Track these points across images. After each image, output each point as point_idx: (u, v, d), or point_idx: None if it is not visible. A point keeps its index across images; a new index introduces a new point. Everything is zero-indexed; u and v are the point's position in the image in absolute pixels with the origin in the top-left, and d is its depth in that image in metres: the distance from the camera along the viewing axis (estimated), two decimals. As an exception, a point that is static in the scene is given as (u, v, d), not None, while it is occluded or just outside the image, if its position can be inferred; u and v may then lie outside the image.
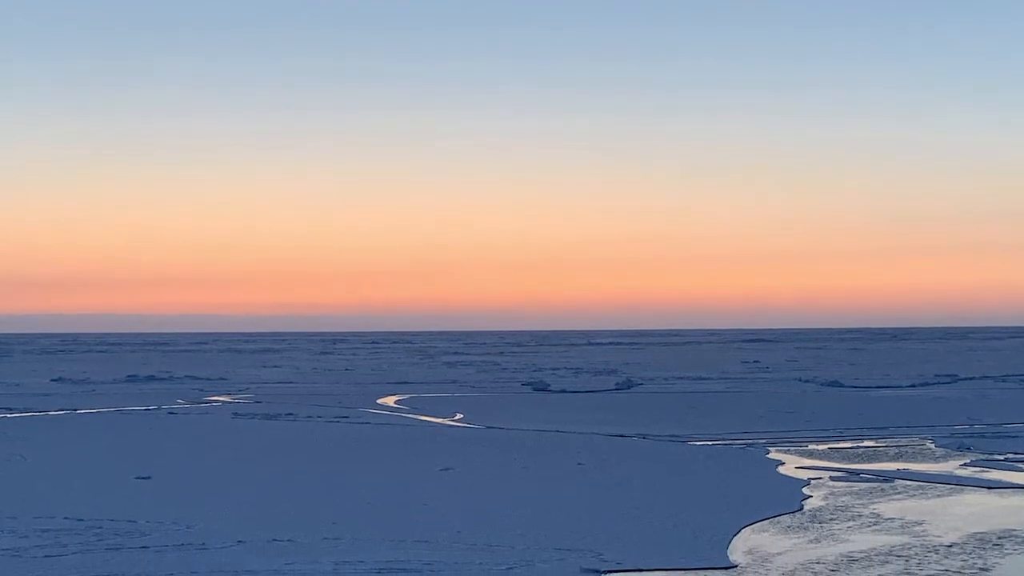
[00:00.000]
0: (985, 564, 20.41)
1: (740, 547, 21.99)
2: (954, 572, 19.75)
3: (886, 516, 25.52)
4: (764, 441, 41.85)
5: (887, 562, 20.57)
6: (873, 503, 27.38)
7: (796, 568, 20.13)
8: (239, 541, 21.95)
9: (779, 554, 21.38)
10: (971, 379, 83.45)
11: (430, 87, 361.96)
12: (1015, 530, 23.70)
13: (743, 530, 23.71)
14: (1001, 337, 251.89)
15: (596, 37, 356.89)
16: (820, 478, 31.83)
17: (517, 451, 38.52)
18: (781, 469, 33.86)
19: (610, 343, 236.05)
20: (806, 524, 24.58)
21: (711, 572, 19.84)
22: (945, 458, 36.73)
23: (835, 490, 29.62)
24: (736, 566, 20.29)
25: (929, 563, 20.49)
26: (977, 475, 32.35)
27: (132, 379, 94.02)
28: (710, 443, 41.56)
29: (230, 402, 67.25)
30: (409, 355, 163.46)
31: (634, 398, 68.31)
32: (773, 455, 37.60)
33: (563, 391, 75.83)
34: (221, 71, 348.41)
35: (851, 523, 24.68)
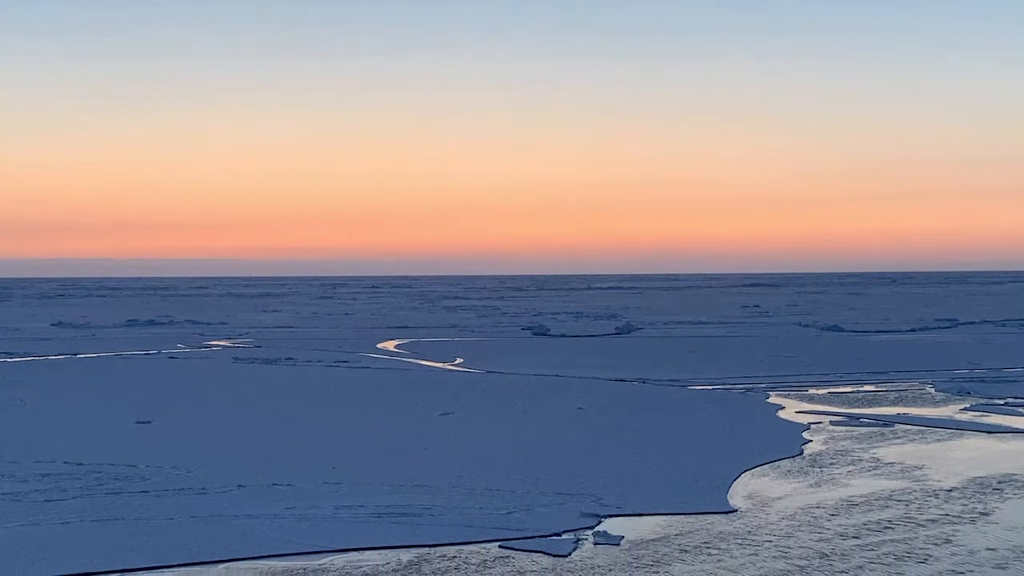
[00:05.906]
0: (985, 508, 20.40)
1: (740, 492, 21.98)
2: (954, 516, 19.74)
3: (886, 461, 25.52)
4: (764, 385, 41.86)
5: (887, 507, 20.57)
6: (873, 448, 27.38)
7: (796, 512, 20.12)
8: (239, 485, 21.95)
9: (779, 499, 21.37)
10: (971, 323, 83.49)
11: (430, 32, 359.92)
12: (1015, 474, 23.70)
13: (743, 475, 23.71)
14: (1001, 281, 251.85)
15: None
16: (820, 422, 31.85)
17: (517, 396, 38.53)
18: (781, 413, 33.88)
19: (610, 287, 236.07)
20: (806, 469, 24.58)
21: (711, 516, 19.81)
22: (945, 402, 36.73)
23: (835, 434, 29.62)
24: (736, 510, 20.27)
25: (929, 508, 20.48)
26: (977, 420, 32.34)
27: (132, 324, 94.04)
28: (710, 387, 41.58)
29: (230, 347, 67.29)
30: (409, 299, 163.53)
31: (634, 342, 68.32)
32: (773, 399, 37.61)
33: (563, 335, 75.86)
34: (219, 15, 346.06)
35: (851, 468, 24.68)
